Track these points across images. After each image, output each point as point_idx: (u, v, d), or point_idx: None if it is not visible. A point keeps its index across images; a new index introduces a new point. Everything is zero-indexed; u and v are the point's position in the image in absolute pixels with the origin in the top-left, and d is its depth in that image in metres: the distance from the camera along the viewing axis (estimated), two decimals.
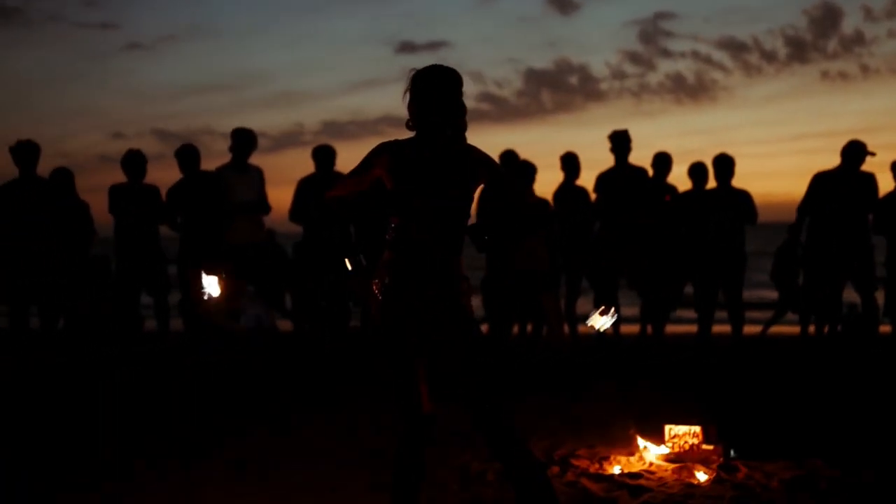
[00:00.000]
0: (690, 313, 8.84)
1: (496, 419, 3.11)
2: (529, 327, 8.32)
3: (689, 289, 8.53)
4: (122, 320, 7.88)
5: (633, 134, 8.30)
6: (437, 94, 3.17)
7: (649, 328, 8.50)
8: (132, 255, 7.99)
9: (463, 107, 3.23)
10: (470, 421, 3.17)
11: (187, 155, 8.10)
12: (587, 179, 8.60)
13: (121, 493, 4.33)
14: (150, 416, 6.03)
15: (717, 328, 8.44)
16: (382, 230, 3.28)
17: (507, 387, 3.25)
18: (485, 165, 3.27)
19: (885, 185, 8.09)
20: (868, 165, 7.96)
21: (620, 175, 8.30)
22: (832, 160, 8.09)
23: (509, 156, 8.39)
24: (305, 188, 8.19)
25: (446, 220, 3.21)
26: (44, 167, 8.03)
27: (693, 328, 8.54)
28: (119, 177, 8.14)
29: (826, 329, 8.19)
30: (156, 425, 5.80)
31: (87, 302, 7.27)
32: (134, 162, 8.02)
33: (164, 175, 8.31)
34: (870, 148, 7.90)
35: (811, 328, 8.35)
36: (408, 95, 3.21)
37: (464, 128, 3.25)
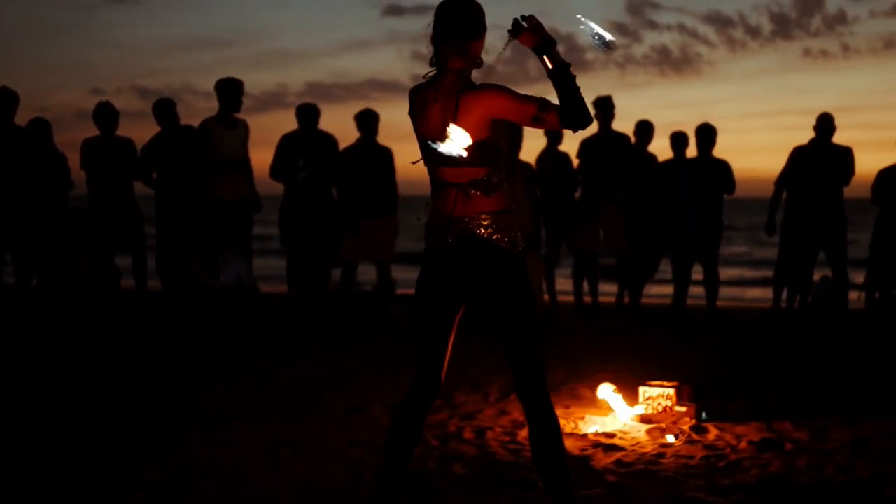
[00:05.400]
0: (668, 289, 8.95)
1: (535, 381, 3.07)
2: None
3: (667, 265, 8.61)
4: (98, 276, 7.74)
5: (617, 105, 8.36)
6: (445, 23, 3.00)
7: (626, 297, 8.59)
8: (106, 210, 7.84)
9: (474, 35, 3.03)
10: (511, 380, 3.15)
11: (164, 108, 7.95)
12: (571, 147, 8.64)
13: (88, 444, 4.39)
14: (122, 368, 6.08)
15: (692, 301, 8.56)
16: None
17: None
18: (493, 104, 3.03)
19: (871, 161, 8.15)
20: (849, 141, 8.08)
21: (604, 141, 8.35)
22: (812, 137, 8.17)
23: None
24: (287, 145, 8.04)
25: (465, 162, 2.98)
26: (22, 122, 7.88)
27: (669, 301, 8.63)
28: (95, 132, 7.99)
29: (797, 301, 8.31)
30: (129, 377, 5.86)
31: (62, 255, 7.15)
32: (105, 114, 7.89)
33: (143, 132, 8.21)
34: (850, 126, 7.93)
35: (783, 301, 8.44)
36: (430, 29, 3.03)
37: (466, 52, 3.03)
